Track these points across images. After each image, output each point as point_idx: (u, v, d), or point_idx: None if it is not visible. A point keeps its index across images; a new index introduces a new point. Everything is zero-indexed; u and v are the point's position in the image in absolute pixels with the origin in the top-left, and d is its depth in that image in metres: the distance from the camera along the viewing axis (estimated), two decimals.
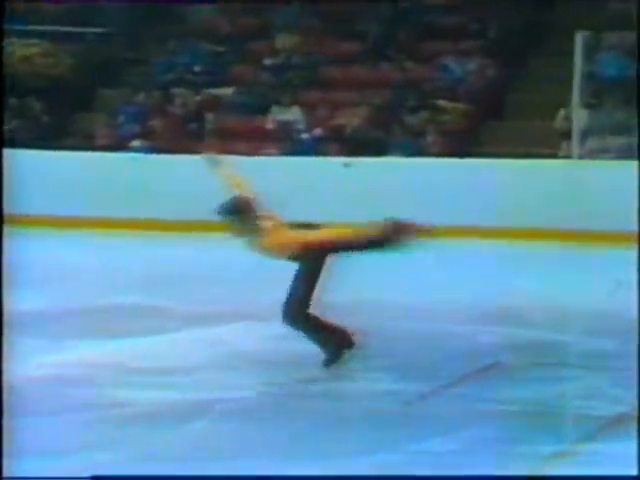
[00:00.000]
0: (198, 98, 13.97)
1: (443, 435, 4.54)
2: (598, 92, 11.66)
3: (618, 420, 4.67)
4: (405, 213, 12.00)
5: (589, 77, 11.56)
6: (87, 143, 13.18)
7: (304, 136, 12.81)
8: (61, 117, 14.00)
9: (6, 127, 12.58)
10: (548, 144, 11.85)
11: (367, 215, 12.34)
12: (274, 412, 4.94)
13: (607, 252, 9.38)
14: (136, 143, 13.27)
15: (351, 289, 6.86)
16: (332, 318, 5.74)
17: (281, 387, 5.33)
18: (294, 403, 5.07)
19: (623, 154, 10.94)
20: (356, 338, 5.64)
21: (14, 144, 11.30)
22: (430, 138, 12.39)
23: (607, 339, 6.23)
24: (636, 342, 5.76)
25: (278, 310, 5.81)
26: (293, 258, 5.64)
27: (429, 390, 5.26)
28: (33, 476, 3.95)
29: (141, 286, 8.07)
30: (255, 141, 13.02)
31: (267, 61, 14.28)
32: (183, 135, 13.44)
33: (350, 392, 5.24)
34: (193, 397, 5.11)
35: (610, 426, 4.62)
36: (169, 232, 11.42)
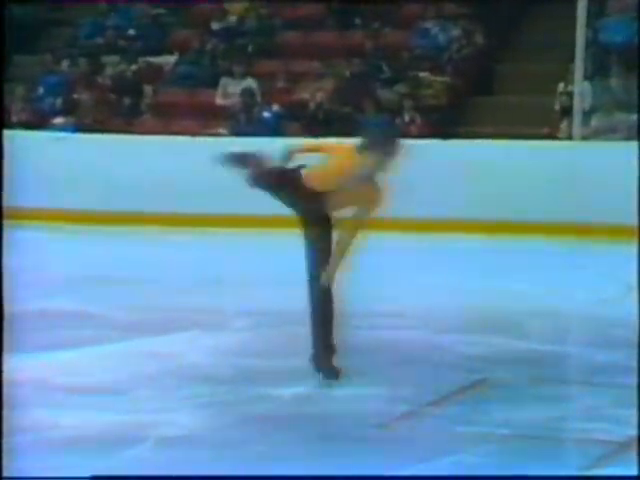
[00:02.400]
0: (133, 67, 13.91)
1: (423, 462, 4.58)
2: (603, 62, 11.78)
3: (625, 445, 4.74)
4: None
5: (593, 45, 11.68)
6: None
7: (260, 113, 12.81)
8: None
9: None
10: (545, 123, 11.97)
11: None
12: (225, 437, 4.96)
13: (614, 249, 9.49)
14: (59, 120, 13.19)
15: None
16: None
17: (234, 408, 5.34)
18: (248, 427, 5.08)
19: (633, 134, 11.03)
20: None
21: None
22: (408, 116, 12.45)
23: (612, 351, 6.32)
24: None
25: (231, 318, 5.83)
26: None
27: (407, 410, 5.30)
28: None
29: (67, 289, 8.03)
30: (202, 119, 13.00)
31: (215, 25, 14.26)
32: (115, 111, 13.38)
33: (314, 414, 5.27)
34: (129, 419, 5.11)
35: (616, 452, 4.69)
36: (100, 225, 11.37)
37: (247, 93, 12.80)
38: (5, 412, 4.90)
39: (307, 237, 5.66)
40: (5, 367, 5.53)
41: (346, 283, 6.72)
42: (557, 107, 11.98)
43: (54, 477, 4.33)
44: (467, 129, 12.44)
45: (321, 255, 5.61)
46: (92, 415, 5.15)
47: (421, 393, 5.58)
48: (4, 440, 4.50)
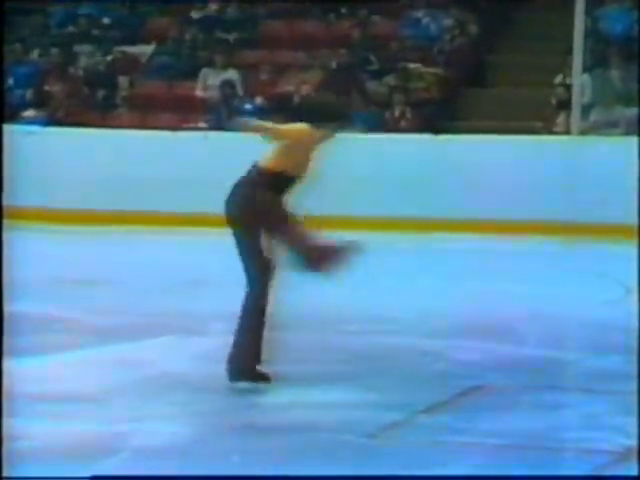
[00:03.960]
0: (108, 58, 13.88)
1: (414, 473, 4.57)
2: (603, 53, 11.81)
3: (624, 456, 4.75)
4: (367, 202, 12.13)
5: (592, 35, 11.71)
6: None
7: (242, 106, 12.79)
8: None
9: None
10: (542, 117, 11.99)
11: (319, 204, 12.44)
12: (205, 448, 4.94)
13: (613, 249, 9.52)
14: (29, 113, 13.15)
15: (303, 297, 6.89)
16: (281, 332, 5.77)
17: (213, 417, 5.33)
18: (230, 437, 5.07)
19: (634, 128, 11.06)
20: None
21: None
22: (397, 109, 12.46)
23: (612, 356, 6.33)
24: None
25: (208, 322, 5.82)
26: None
27: (397, 419, 5.29)
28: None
29: (34, 292, 8.00)
30: (181, 112, 12.98)
31: (195, 13, 14.23)
32: (89, 104, 13.34)
33: (298, 422, 5.26)
34: (102, 429, 5.08)
35: (615, 463, 4.69)
36: (71, 225, 11.35)
37: (227, 85, 12.79)
38: None
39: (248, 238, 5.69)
40: None
41: (334, 287, 6.74)
42: (554, 100, 12.00)
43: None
44: (460, 123, 12.46)
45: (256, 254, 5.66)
46: (63, 425, 5.12)
47: (411, 401, 5.57)
48: None
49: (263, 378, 5.74)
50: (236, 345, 5.72)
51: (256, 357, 5.73)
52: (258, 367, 5.75)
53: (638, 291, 7.33)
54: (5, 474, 4.42)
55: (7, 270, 8.85)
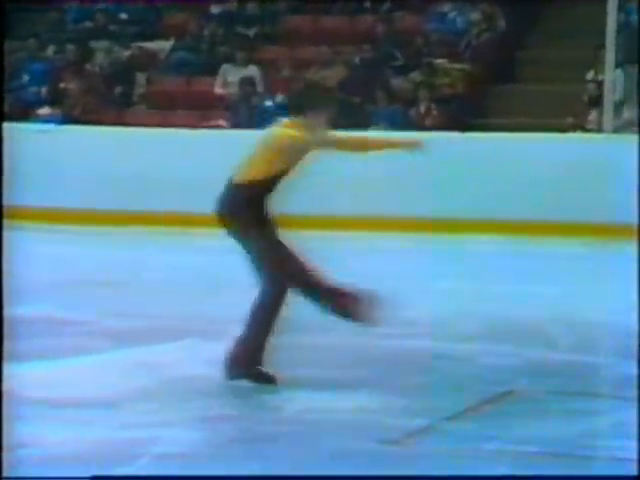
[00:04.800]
0: (125, 54, 13.92)
1: None
2: (635, 49, 11.76)
3: None
4: (390, 202, 12.12)
5: (625, 29, 11.66)
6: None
7: (262, 103, 12.80)
8: None
9: None
10: (572, 114, 11.94)
11: (342, 205, 12.43)
12: (224, 454, 4.94)
13: None
14: (44, 110, 13.20)
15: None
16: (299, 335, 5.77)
17: (233, 423, 5.33)
18: (250, 443, 5.07)
19: None
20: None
21: None
22: (423, 106, 12.44)
23: None
24: None
25: (228, 325, 5.82)
26: None
27: (422, 425, 5.28)
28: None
29: (50, 294, 8.03)
30: (200, 109, 13.00)
31: (214, 8, 14.25)
32: (105, 101, 13.38)
33: (318, 428, 5.25)
34: (120, 436, 5.09)
35: None
36: (87, 225, 11.39)
37: (247, 82, 12.80)
38: None
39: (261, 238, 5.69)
40: None
41: (358, 288, 6.70)
42: (585, 97, 11.95)
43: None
44: (487, 120, 12.43)
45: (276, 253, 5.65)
46: (79, 431, 5.13)
47: (437, 407, 5.56)
48: None
49: (266, 379, 5.71)
50: (241, 342, 5.70)
51: (259, 358, 5.71)
52: (261, 368, 5.73)
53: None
54: None
55: (20, 272, 8.90)
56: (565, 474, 4.68)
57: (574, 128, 11.71)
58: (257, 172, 5.73)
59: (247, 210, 5.69)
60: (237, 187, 5.73)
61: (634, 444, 4.93)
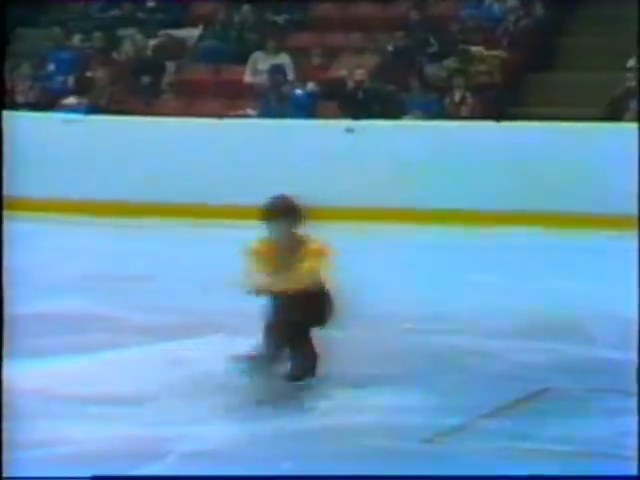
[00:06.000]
0: (153, 42, 13.98)
1: None
2: None
3: None
4: (424, 193, 12.08)
5: None
6: (5, 99, 13.17)
7: (292, 92, 12.83)
8: None
9: None
10: (611, 103, 11.88)
11: (375, 197, 12.43)
12: (254, 452, 4.98)
13: None
14: (70, 100, 13.28)
15: (356, 293, 6.91)
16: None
17: (264, 420, 5.37)
18: (280, 441, 5.11)
19: None
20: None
21: None
22: (458, 94, 12.42)
23: None
24: None
25: (259, 321, 5.86)
26: None
27: (457, 424, 5.30)
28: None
29: (77, 288, 8.09)
30: (229, 98, 13.04)
31: None
32: (133, 91, 13.45)
33: (352, 426, 5.28)
34: (148, 433, 5.14)
35: None
36: (115, 218, 11.44)
37: (277, 70, 12.82)
38: (7, 425, 4.98)
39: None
40: (7, 375, 5.61)
41: (390, 284, 6.75)
42: (625, 85, 11.88)
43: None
44: (524, 109, 12.39)
45: None
46: (107, 428, 5.19)
47: (472, 404, 5.58)
48: (8, 456, 4.57)
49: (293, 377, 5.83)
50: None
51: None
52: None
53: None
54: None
55: (48, 266, 8.99)
56: (600, 474, 4.69)
57: (613, 118, 11.64)
58: None
59: None
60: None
61: None
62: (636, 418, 5.42)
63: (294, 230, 5.98)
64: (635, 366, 6.37)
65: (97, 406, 5.48)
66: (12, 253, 8.91)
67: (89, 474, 4.47)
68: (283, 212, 6.00)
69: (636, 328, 7.16)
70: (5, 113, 12.36)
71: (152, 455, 4.84)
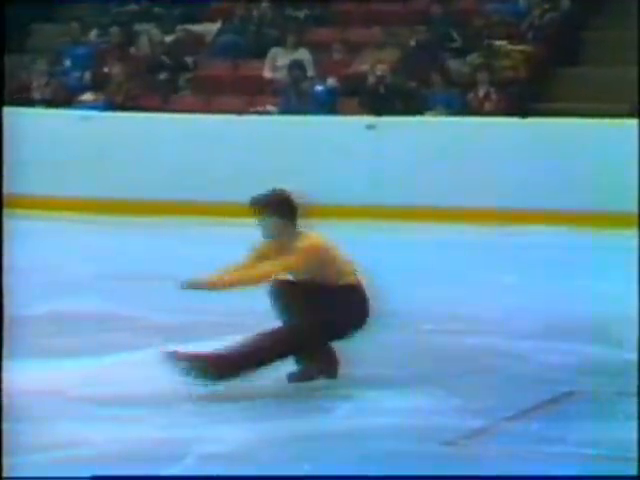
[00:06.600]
0: (170, 37, 14.01)
1: None
2: None
3: None
4: (449, 191, 12.06)
5: None
6: (20, 96, 13.23)
7: (312, 88, 12.84)
8: None
9: None
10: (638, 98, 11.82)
11: (397, 194, 12.41)
12: (273, 455, 5.00)
13: None
14: (87, 96, 13.32)
15: (379, 294, 6.90)
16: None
17: (283, 422, 5.38)
18: (301, 443, 5.12)
19: None
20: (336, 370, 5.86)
21: None
22: (482, 90, 12.40)
23: None
24: None
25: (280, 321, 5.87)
26: None
27: (480, 426, 5.30)
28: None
29: (98, 287, 8.12)
30: (248, 94, 13.06)
31: None
32: (150, 87, 13.49)
33: (372, 428, 5.29)
34: (167, 435, 5.16)
35: None
36: (133, 216, 11.48)
37: (296, 66, 12.83)
38: (24, 426, 5.00)
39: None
40: (23, 376, 5.63)
41: (413, 283, 6.73)
42: None
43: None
44: (550, 105, 12.36)
45: None
46: (126, 430, 5.21)
47: (496, 406, 5.57)
48: (25, 458, 4.59)
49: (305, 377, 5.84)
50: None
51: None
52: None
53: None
54: None
55: (65, 265, 9.01)
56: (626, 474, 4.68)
57: None
58: None
59: None
60: None
61: None
62: None
63: (286, 226, 5.78)
64: None
65: (115, 408, 5.51)
66: (29, 252, 8.96)
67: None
68: (271, 207, 5.81)
69: None
70: (20, 110, 12.47)
71: (170, 457, 4.86)
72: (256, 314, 6.46)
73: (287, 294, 5.81)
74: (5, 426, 4.68)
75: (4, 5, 9.75)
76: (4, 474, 4.42)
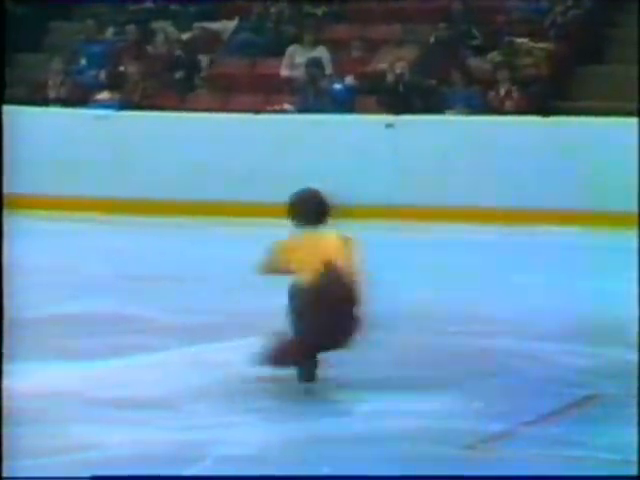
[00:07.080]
0: (187, 35, 14.04)
1: None
2: None
3: None
4: (470, 191, 12.07)
5: None
6: (36, 95, 13.29)
7: (330, 86, 12.85)
8: None
9: None
10: None
11: (416, 194, 12.42)
12: (291, 457, 5.01)
13: None
14: (103, 95, 13.37)
15: (397, 294, 6.92)
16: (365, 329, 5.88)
17: (300, 424, 5.40)
18: (318, 446, 5.13)
19: None
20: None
21: None
22: (503, 88, 12.40)
23: None
24: None
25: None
26: None
27: (500, 430, 5.30)
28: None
29: (111, 288, 8.15)
30: (265, 93, 13.09)
31: None
32: (166, 85, 13.52)
33: (391, 431, 5.30)
34: (182, 437, 5.18)
35: None
36: (145, 216, 11.52)
37: (314, 63, 12.84)
38: (39, 429, 5.03)
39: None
40: (32, 378, 5.66)
41: (433, 285, 6.72)
42: None
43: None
44: (572, 103, 12.34)
45: None
46: (140, 432, 5.23)
47: (516, 410, 5.57)
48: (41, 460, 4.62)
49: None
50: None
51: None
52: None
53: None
54: None
55: (81, 266, 9.04)
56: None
57: None
58: None
59: None
60: None
61: None
62: None
63: (319, 225, 5.94)
64: None
65: (131, 410, 5.53)
66: (44, 253, 9.00)
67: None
68: (306, 206, 5.97)
69: None
70: (36, 109, 12.53)
71: (187, 459, 4.88)
72: (268, 315, 6.49)
73: (302, 297, 5.88)
74: (21, 429, 4.71)
75: (4, 4, 9.78)
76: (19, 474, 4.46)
